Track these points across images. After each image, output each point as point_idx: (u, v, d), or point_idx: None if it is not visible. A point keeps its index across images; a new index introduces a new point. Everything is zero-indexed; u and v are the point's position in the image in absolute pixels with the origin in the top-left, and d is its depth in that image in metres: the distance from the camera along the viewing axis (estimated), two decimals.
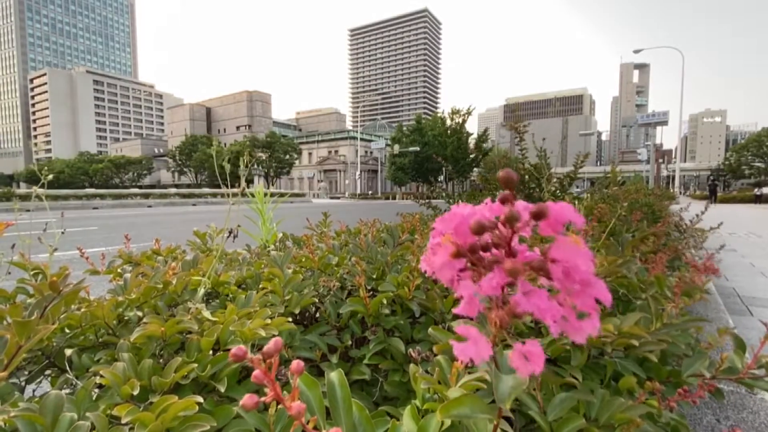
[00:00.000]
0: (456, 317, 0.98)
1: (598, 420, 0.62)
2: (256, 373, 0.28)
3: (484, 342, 0.26)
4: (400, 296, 1.01)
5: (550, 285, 0.25)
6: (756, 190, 28.83)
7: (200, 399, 0.53)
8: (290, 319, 0.81)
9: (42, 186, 1.22)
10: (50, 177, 1.19)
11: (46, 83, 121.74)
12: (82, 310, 0.80)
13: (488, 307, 0.27)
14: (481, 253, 0.26)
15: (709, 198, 27.81)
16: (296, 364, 0.30)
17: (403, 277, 1.03)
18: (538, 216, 0.25)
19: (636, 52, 31.92)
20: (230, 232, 1.47)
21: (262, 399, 0.28)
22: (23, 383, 0.77)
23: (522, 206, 0.26)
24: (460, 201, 2.88)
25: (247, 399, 0.28)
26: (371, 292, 1.05)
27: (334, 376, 0.45)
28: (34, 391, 0.85)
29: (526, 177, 2.64)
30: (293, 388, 0.30)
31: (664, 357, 0.85)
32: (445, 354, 0.58)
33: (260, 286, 1.04)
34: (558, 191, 2.57)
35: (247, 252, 1.56)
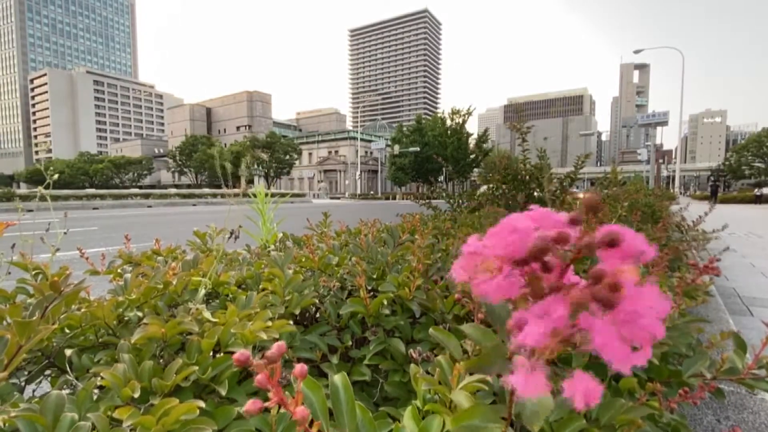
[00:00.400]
0: (456, 315, 0.98)
1: (599, 421, 0.62)
2: (259, 378, 0.27)
3: (542, 376, 0.23)
4: (401, 296, 1.01)
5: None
6: (756, 190, 28.85)
7: (202, 404, 0.53)
8: (291, 321, 0.81)
9: (47, 186, 1.22)
10: (55, 177, 1.19)
11: (46, 83, 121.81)
12: (83, 310, 0.80)
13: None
14: (532, 272, 0.24)
15: (711, 198, 27.84)
16: (299, 368, 0.30)
17: (403, 277, 1.02)
18: (611, 244, 0.21)
19: (636, 52, 31.93)
20: (231, 233, 1.47)
21: (266, 404, 0.28)
22: (23, 383, 0.77)
23: (567, 221, 0.23)
24: (460, 201, 2.88)
25: (250, 405, 0.27)
26: (371, 293, 1.05)
27: (338, 378, 0.45)
28: (34, 391, 0.85)
29: (527, 177, 2.64)
30: (296, 392, 0.30)
31: (665, 357, 0.85)
32: (445, 350, 0.58)
33: (260, 286, 1.04)
34: (558, 191, 2.57)
35: (247, 252, 1.56)
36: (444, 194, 2.92)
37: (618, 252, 0.22)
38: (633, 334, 0.22)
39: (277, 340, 0.76)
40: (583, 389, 0.23)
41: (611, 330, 0.22)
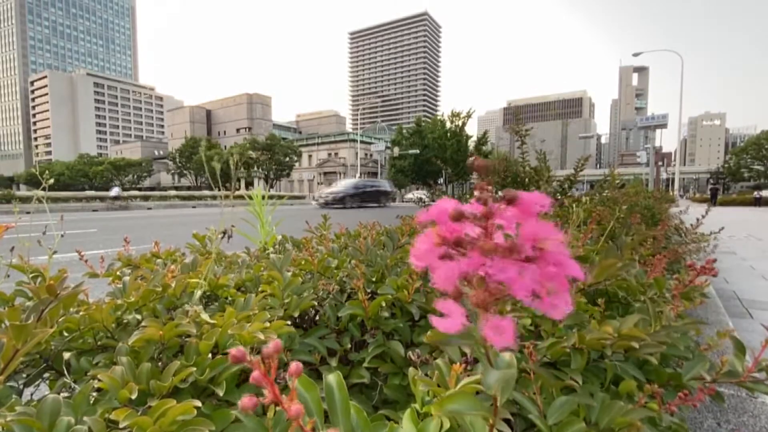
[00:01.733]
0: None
1: (599, 424, 0.62)
2: (254, 374, 0.28)
3: (459, 316, 0.27)
4: (400, 299, 1.00)
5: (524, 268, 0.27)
6: (756, 193, 28.91)
7: (198, 403, 0.53)
8: (289, 323, 0.81)
9: (43, 189, 1.22)
10: (51, 181, 1.19)
11: (46, 86, 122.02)
12: (81, 313, 0.80)
13: (465, 286, 0.28)
14: (462, 241, 0.28)
15: (711, 201, 27.94)
16: (294, 366, 0.30)
17: (402, 280, 1.02)
18: (511, 201, 0.27)
19: (635, 55, 32.03)
20: (224, 233, 1.46)
21: (261, 400, 0.28)
22: (21, 386, 0.77)
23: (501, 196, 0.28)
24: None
25: (245, 400, 0.28)
26: (371, 295, 1.04)
27: (332, 378, 0.45)
28: (32, 394, 0.85)
29: (527, 180, 2.64)
30: (291, 389, 0.30)
31: (664, 360, 0.85)
32: (443, 351, 0.58)
33: (259, 289, 1.04)
34: (558, 194, 2.58)
35: (246, 255, 1.56)
36: (444, 196, 2.93)
37: (521, 209, 0.27)
38: (549, 277, 0.26)
39: None
40: (497, 326, 0.27)
41: (517, 269, 0.26)
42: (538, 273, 0.26)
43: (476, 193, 0.29)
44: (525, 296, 0.26)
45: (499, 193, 0.28)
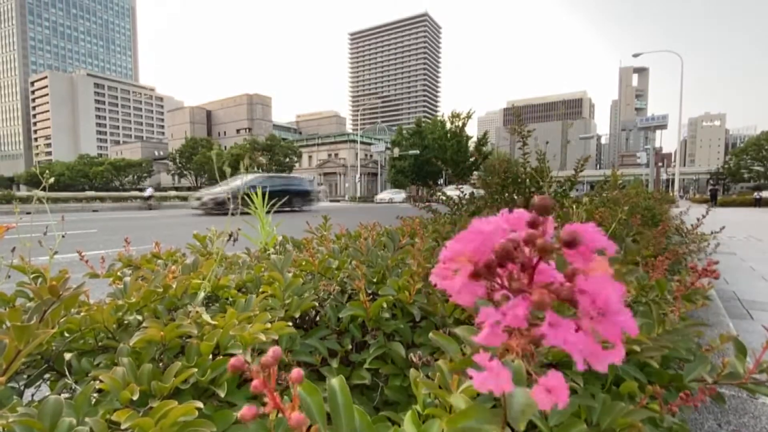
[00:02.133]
0: (457, 319, 0.98)
1: (600, 425, 0.62)
2: (255, 383, 0.27)
3: (506, 374, 0.24)
4: (401, 300, 1.00)
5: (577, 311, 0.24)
6: (756, 193, 28.92)
7: (200, 404, 0.53)
8: (290, 323, 0.81)
9: (43, 189, 1.22)
10: (51, 180, 1.19)
11: (46, 86, 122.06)
12: (82, 313, 0.80)
13: (508, 331, 0.25)
14: (500, 271, 0.25)
15: (710, 202, 27.96)
16: (296, 372, 0.30)
17: (403, 281, 1.02)
18: (571, 244, 0.23)
19: (635, 56, 32.04)
20: (230, 236, 1.47)
21: (261, 410, 0.28)
22: (22, 387, 0.77)
23: (548, 227, 0.24)
24: (460, 204, 2.88)
25: (245, 411, 0.27)
26: (371, 296, 1.04)
27: (335, 382, 0.45)
28: (33, 395, 0.85)
29: (528, 181, 2.64)
30: (293, 396, 0.30)
31: (665, 361, 0.85)
32: (446, 356, 0.58)
33: (260, 289, 1.04)
34: (558, 195, 2.58)
35: (247, 255, 1.56)
36: (443, 197, 2.92)
37: (578, 251, 0.23)
38: (604, 331, 0.23)
39: (276, 342, 0.75)
40: (549, 387, 0.23)
41: (574, 329, 0.23)
42: (587, 325, 0.23)
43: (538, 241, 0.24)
44: (578, 355, 0.22)
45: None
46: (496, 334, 0.24)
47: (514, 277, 0.25)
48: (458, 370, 0.49)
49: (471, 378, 0.24)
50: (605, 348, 0.23)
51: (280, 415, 0.51)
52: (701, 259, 2.66)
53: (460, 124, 45.48)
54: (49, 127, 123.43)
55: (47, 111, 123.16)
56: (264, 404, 0.28)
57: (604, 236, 0.23)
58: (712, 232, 2.92)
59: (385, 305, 0.96)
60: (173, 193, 31.46)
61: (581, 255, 0.23)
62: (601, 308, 0.23)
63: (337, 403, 0.43)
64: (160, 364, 0.75)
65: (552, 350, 0.72)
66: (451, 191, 2.93)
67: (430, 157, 42.11)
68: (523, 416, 0.29)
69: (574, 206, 1.89)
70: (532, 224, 0.24)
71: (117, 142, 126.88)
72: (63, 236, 1.19)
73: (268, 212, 2.25)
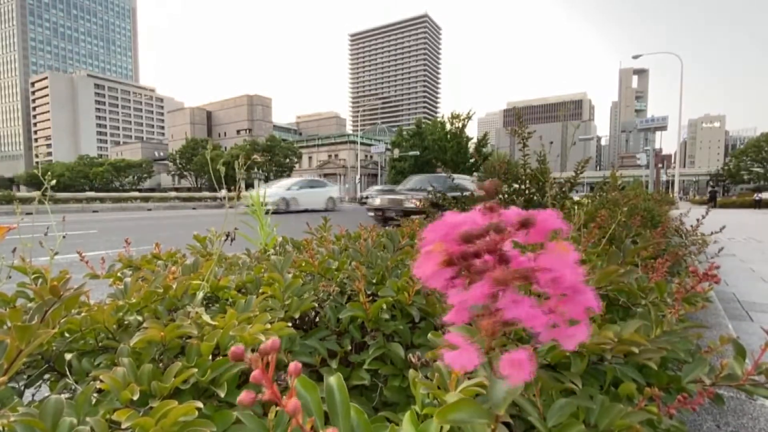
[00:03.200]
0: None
1: (598, 426, 0.62)
2: (254, 373, 0.28)
3: (473, 351, 0.26)
4: (400, 301, 1.01)
5: (543, 292, 0.26)
6: (755, 195, 28.92)
7: (200, 404, 0.53)
8: (290, 324, 0.81)
9: (45, 191, 1.22)
10: (53, 182, 1.19)
11: (47, 87, 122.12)
12: (83, 314, 0.80)
13: (478, 315, 0.27)
14: (472, 260, 0.27)
15: (710, 203, 27.99)
16: (294, 365, 0.30)
17: (402, 282, 1.03)
18: (524, 224, 0.25)
19: (635, 57, 32.06)
20: (227, 235, 1.47)
21: (259, 396, 0.28)
22: (22, 388, 0.77)
23: (514, 213, 0.27)
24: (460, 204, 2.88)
25: (244, 395, 0.28)
26: (371, 297, 1.05)
27: (333, 380, 0.45)
28: (33, 395, 0.85)
29: (527, 182, 2.65)
30: (291, 388, 0.30)
31: (664, 363, 0.85)
32: (438, 360, 0.58)
33: (260, 290, 1.04)
34: (559, 196, 2.58)
35: (246, 256, 1.56)
36: (443, 198, 2.92)
37: (535, 231, 0.26)
38: (569, 309, 0.25)
39: None
40: (514, 360, 0.25)
41: (532, 303, 0.25)
42: (553, 304, 0.25)
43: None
44: (540, 328, 0.24)
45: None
46: (463, 312, 0.26)
47: (481, 263, 0.27)
48: (436, 358, 0.50)
49: (446, 362, 0.26)
50: (572, 325, 0.25)
51: (278, 413, 0.52)
52: (701, 262, 2.67)
53: (460, 125, 45.51)
54: (49, 128, 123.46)
55: (47, 111, 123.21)
56: (261, 393, 0.29)
57: (557, 219, 0.26)
58: (712, 233, 2.92)
59: (384, 306, 0.96)
60: (173, 194, 31.50)
61: (535, 234, 0.26)
62: (560, 283, 0.25)
63: (334, 401, 0.43)
64: (161, 364, 0.75)
65: (550, 352, 0.73)
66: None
67: (430, 158, 42.14)
68: (504, 402, 0.31)
69: (575, 207, 1.90)
70: (490, 209, 0.27)
71: (117, 143, 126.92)
72: (64, 237, 1.20)
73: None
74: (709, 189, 34.95)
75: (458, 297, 0.26)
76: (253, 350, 0.74)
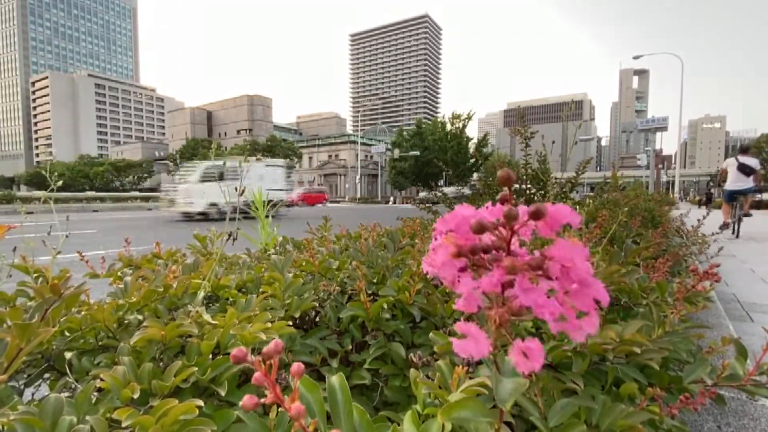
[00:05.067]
0: (457, 319, 0.98)
1: (600, 426, 0.62)
2: (256, 375, 0.28)
3: (484, 338, 0.26)
4: (401, 301, 1.01)
5: (550, 287, 0.26)
6: (756, 196, 28.89)
7: (200, 403, 0.53)
8: (290, 323, 0.81)
9: (51, 190, 1.22)
10: (60, 183, 1.19)
11: (47, 86, 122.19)
12: (83, 313, 0.80)
13: (488, 306, 0.27)
14: (482, 254, 0.27)
15: (706, 204, 28.02)
16: (296, 366, 0.30)
17: (403, 281, 1.02)
18: (536, 216, 0.25)
19: (635, 58, 32.04)
20: (229, 235, 1.47)
21: (262, 400, 0.28)
22: (22, 386, 0.77)
23: (522, 209, 0.27)
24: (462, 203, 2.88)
25: (246, 400, 0.28)
26: (372, 297, 1.05)
27: (335, 380, 0.45)
28: (33, 394, 0.85)
29: (528, 182, 2.64)
30: (293, 390, 0.30)
31: (665, 363, 0.85)
32: (446, 355, 0.58)
33: (260, 290, 1.04)
34: (559, 196, 2.58)
35: (247, 256, 1.56)
36: (444, 198, 2.92)
37: (545, 223, 0.26)
38: (578, 302, 0.25)
39: None
40: (525, 349, 0.25)
41: (544, 292, 0.25)
42: (563, 294, 0.25)
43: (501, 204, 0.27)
44: (551, 318, 0.25)
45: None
46: (472, 300, 0.27)
47: (492, 255, 0.27)
48: (447, 351, 0.49)
49: (455, 351, 0.26)
50: (580, 317, 0.25)
51: (279, 413, 0.51)
52: (702, 262, 2.67)
53: (461, 125, 45.53)
54: (49, 128, 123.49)
55: (48, 111, 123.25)
56: (264, 396, 0.28)
57: (569, 212, 0.26)
58: (713, 233, 2.92)
59: (385, 306, 0.96)
60: None
61: (548, 227, 0.26)
62: (571, 273, 0.25)
63: (336, 401, 0.43)
64: (161, 363, 0.75)
65: (552, 352, 0.72)
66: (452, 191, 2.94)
67: (431, 158, 42.14)
68: (510, 397, 0.31)
69: (576, 208, 1.90)
70: (503, 200, 0.27)
71: (117, 143, 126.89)
72: (66, 236, 1.19)
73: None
74: (705, 191, 35.11)
75: (469, 285, 0.26)
76: (253, 350, 0.74)
